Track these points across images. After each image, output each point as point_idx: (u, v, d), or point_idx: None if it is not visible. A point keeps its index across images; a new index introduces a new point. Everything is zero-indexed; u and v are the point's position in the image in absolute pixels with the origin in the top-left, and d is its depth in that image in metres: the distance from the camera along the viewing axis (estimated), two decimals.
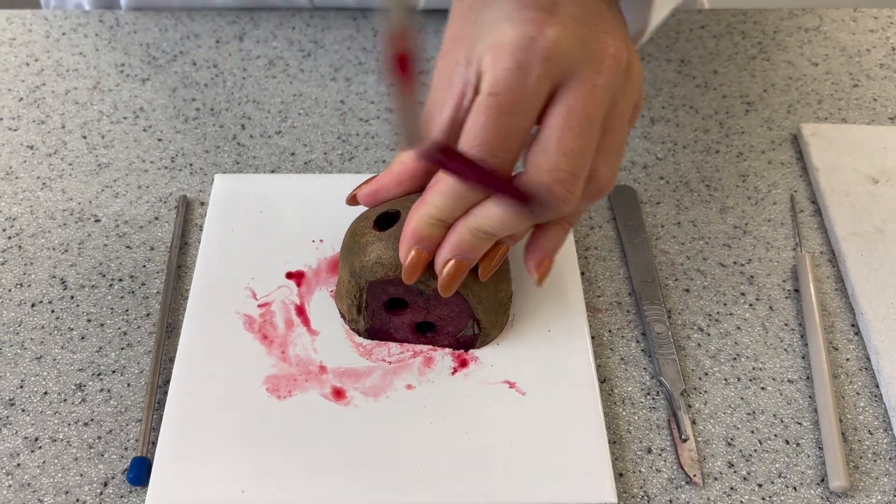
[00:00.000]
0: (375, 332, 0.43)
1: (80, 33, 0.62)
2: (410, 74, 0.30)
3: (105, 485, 0.39)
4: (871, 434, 0.42)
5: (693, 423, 0.42)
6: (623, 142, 0.37)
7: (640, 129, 0.57)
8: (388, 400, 0.42)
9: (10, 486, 0.39)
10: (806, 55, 0.63)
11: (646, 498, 0.40)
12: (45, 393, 0.43)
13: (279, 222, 0.49)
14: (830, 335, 0.46)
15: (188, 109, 0.57)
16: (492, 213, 0.36)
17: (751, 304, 0.48)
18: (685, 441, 0.41)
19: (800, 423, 0.43)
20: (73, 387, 0.43)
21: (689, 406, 0.43)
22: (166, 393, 0.42)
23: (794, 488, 0.40)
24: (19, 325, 0.45)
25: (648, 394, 0.43)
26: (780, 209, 0.52)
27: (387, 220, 0.42)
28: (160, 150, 0.54)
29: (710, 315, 0.47)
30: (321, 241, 0.48)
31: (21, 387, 0.43)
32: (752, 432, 0.42)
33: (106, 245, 0.49)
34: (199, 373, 0.42)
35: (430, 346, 0.44)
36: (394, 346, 0.44)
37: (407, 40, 0.29)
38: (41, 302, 0.46)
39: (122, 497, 0.39)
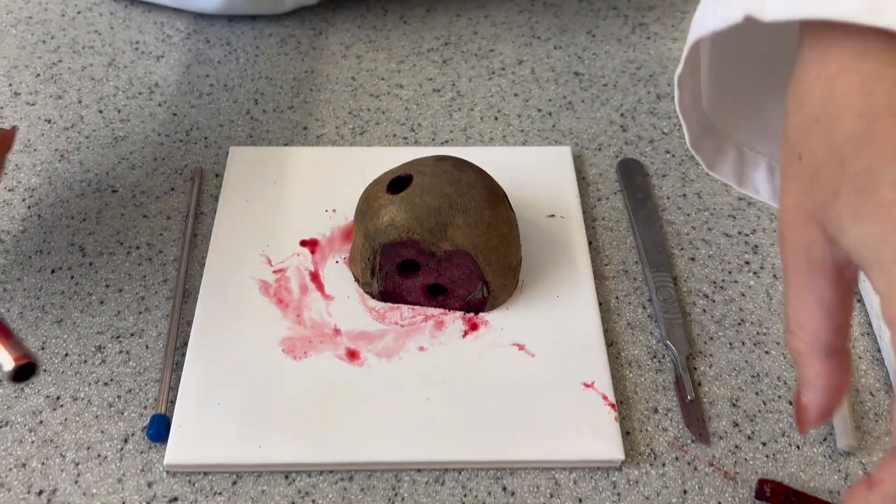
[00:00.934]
0: (388, 295, 0.44)
1: (95, 12, 0.63)
2: None
3: (125, 441, 0.41)
4: (873, 395, 0.43)
5: (699, 384, 0.43)
6: None
7: (647, 104, 0.58)
8: (400, 361, 0.43)
9: (32, 441, 0.40)
10: None
11: (652, 455, 0.41)
12: (66, 354, 0.44)
13: (293, 192, 0.50)
14: None
15: (202, 85, 0.58)
16: None
17: (755, 272, 0.48)
18: (691, 402, 0.42)
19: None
20: (93, 349, 0.44)
21: (695, 369, 0.44)
22: (184, 355, 0.43)
23: (798, 447, 0.41)
24: (40, 290, 0.46)
25: (654, 357, 0.44)
26: None
27: (399, 183, 0.43)
28: (175, 123, 0.56)
29: (714, 282, 0.48)
30: (334, 210, 0.49)
31: (42, 348, 0.44)
32: (757, 394, 0.43)
33: (123, 214, 0.50)
34: (216, 334, 0.43)
35: (442, 310, 0.45)
36: (406, 310, 0.45)
37: None
38: (61, 268, 0.47)
39: (141, 453, 0.40)
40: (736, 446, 0.41)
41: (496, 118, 0.57)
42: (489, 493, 0.39)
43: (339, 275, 0.46)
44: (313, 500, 0.39)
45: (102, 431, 0.41)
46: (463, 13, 0.65)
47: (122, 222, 0.50)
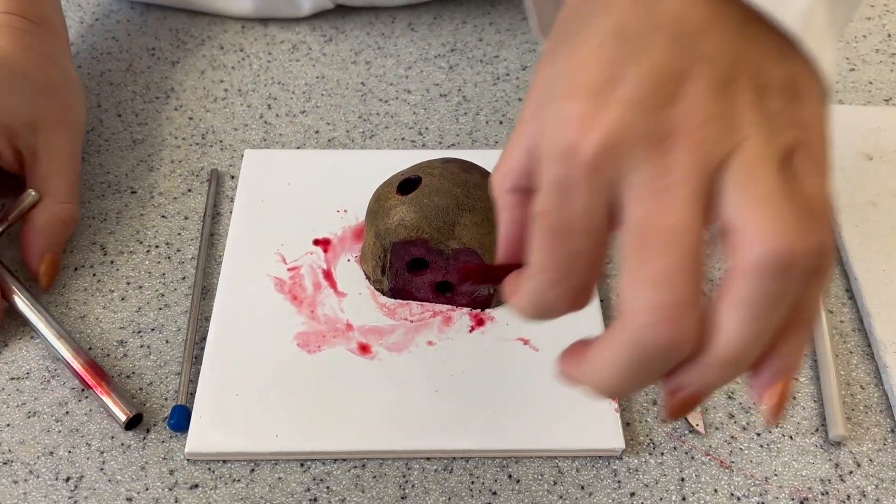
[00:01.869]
0: (398, 292, 0.46)
1: (113, 19, 0.65)
2: None
3: (148, 431, 0.42)
4: (863, 388, 0.45)
5: None
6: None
7: None
8: (410, 355, 0.45)
9: (59, 431, 0.42)
10: None
11: (651, 445, 0.43)
12: (90, 349, 0.46)
13: (306, 194, 0.52)
14: (825, 299, 0.49)
15: (217, 90, 0.60)
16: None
17: None
18: None
19: (796, 379, 0.45)
20: (116, 343, 0.46)
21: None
22: (203, 349, 0.45)
23: (791, 437, 0.43)
24: (64, 288, 0.48)
25: None
26: None
27: (408, 184, 0.45)
28: (191, 127, 0.57)
29: (711, 281, 0.50)
30: (345, 210, 0.51)
31: None
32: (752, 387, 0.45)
33: (142, 215, 0.52)
34: (233, 329, 0.45)
35: (449, 307, 0.47)
36: (415, 307, 0.47)
37: None
38: (83, 266, 0.49)
39: (163, 442, 0.42)
40: (731, 437, 0.43)
41: (501, 122, 0.59)
42: (495, 481, 0.41)
43: (350, 272, 0.48)
44: (328, 487, 0.41)
45: None
46: (469, 20, 0.67)
47: (142, 222, 0.52)
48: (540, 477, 0.41)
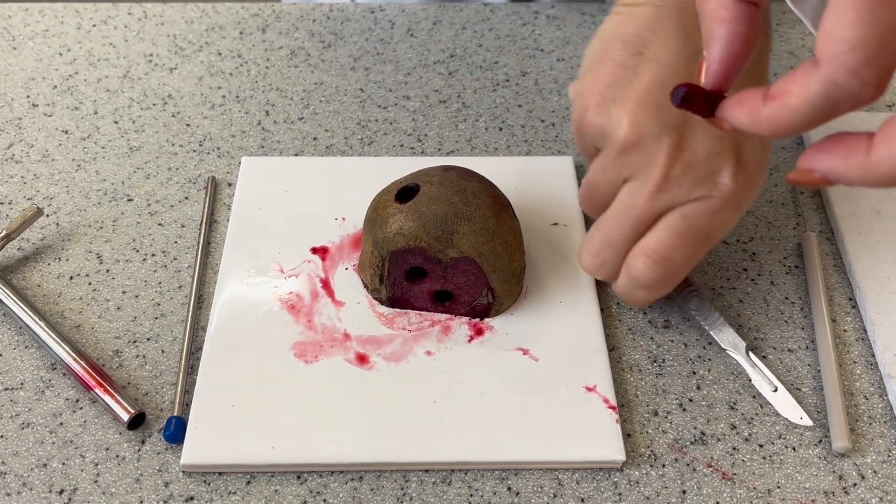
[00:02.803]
0: (396, 301, 0.46)
1: (110, 25, 0.65)
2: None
3: (143, 442, 0.42)
4: (867, 399, 0.45)
5: (697, 388, 0.45)
6: None
7: None
8: (408, 365, 0.44)
9: (53, 442, 0.42)
10: (807, 46, 0.65)
11: (652, 456, 0.42)
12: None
13: (304, 201, 0.52)
14: (829, 308, 0.48)
15: (214, 97, 0.60)
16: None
17: (752, 280, 0.50)
18: (775, 391, 0.44)
19: (799, 389, 0.45)
20: (111, 353, 0.45)
21: (694, 373, 0.45)
22: (199, 359, 0.45)
23: (794, 449, 0.43)
24: (59, 297, 0.48)
25: (654, 361, 0.46)
26: (781, 191, 0.55)
27: (407, 192, 0.44)
28: (188, 134, 0.57)
29: (713, 289, 0.49)
30: (343, 218, 0.51)
31: None
32: (754, 397, 0.44)
33: (138, 223, 0.52)
34: (230, 339, 0.45)
35: (448, 316, 0.46)
36: (414, 316, 0.46)
37: None
38: (79, 275, 0.49)
39: (158, 454, 0.42)
40: (734, 448, 0.43)
41: (500, 129, 0.58)
42: (494, 493, 0.41)
43: (348, 281, 0.48)
44: (324, 500, 0.40)
45: (121, 433, 0.42)
46: (468, 26, 0.66)
47: (138, 230, 0.51)
48: (540, 489, 0.41)
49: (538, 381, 0.44)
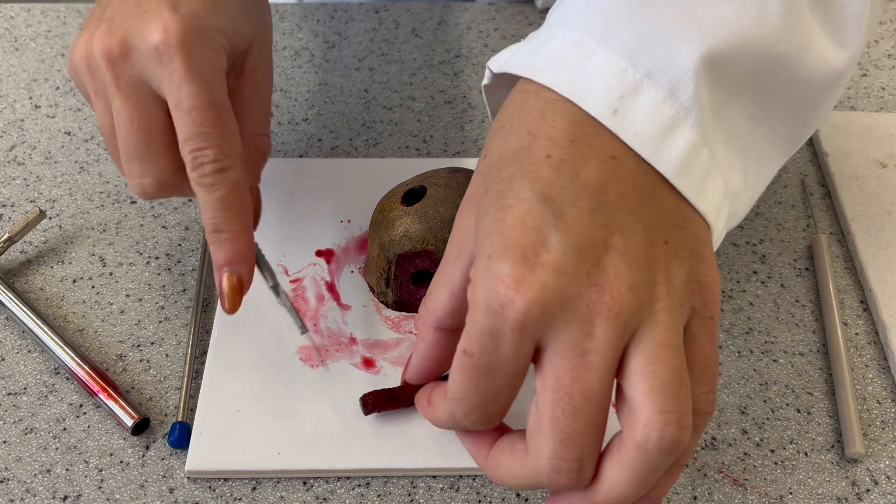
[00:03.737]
0: (403, 304, 0.45)
1: None
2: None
3: (147, 448, 0.41)
4: (880, 404, 0.44)
5: None
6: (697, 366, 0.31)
7: None
8: None
9: (57, 448, 0.41)
10: None
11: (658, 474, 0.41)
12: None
13: (308, 204, 0.51)
14: (840, 311, 0.48)
15: None
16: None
17: (763, 282, 0.49)
18: None
19: (811, 394, 0.44)
20: (115, 357, 0.45)
21: (716, 385, 0.45)
22: (203, 363, 0.44)
23: (806, 454, 0.42)
24: (62, 300, 0.47)
25: None
26: (791, 192, 0.54)
27: (413, 195, 0.44)
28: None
29: (723, 292, 0.49)
30: (349, 221, 0.50)
31: None
32: (765, 402, 0.44)
33: (142, 225, 0.51)
34: (234, 343, 0.44)
35: None
36: None
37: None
38: (82, 278, 0.48)
39: (163, 459, 0.41)
40: (745, 453, 0.42)
41: None
42: (503, 500, 0.40)
43: (354, 284, 0.47)
44: None
45: (125, 438, 0.42)
46: (473, 26, 0.66)
47: (142, 233, 0.51)
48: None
49: None
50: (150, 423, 0.42)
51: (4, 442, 0.41)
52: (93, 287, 0.48)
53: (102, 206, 0.52)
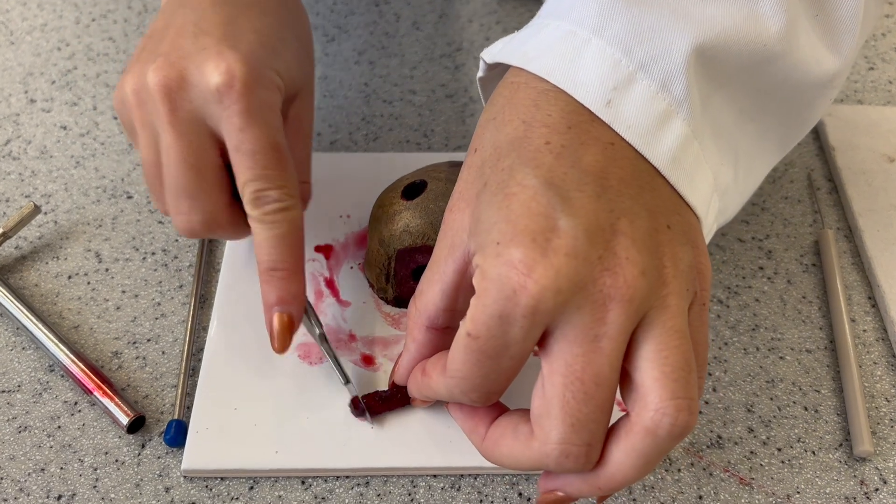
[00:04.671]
0: (403, 301, 0.45)
1: (110, 19, 0.64)
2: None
3: (143, 446, 0.41)
4: (888, 401, 0.43)
5: (713, 390, 0.43)
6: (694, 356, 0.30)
7: None
8: None
9: (51, 446, 0.41)
10: None
11: (668, 461, 0.41)
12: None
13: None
14: (848, 307, 0.47)
15: None
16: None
17: (769, 278, 0.48)
18: None
19: (818, 391, 0.44)
20: (110, 354, 0.44)
21: (710, 374, 0.44)
22: (200, 360, 0.43)
23: (813, 452, 0.41)
24: (57, 296, 0.47)
25: None
26: (797, 187, 0.53)
27: (414, 189, 0.43)
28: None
29: (729, 288, 0.48)
30: (348, 216, 0.49)
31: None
32: (771, 399, 0.43)
33: (138, 220, 0.50)
34: (231, 340, 0.43)
35: None
36: None
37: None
38: (77, 274, 0.48)
39: (159, 458, 0.40)
40: (751, 451, 0.41)
41: None
42: (505, 499, 0.39)
43: (353, 280, 0.46)
44: None
45: (120, 437, 0.41)
46: (475, 19, 0.65)
47: (138, 228, 0.50)
48: None
49: None
50: (146, 422, 0.42)
51: None
52: (88, 283, 0.47)
53: (98, 201, 0.51)
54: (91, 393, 0.41)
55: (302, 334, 0.44)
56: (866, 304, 0.47)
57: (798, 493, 0.40)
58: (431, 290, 0.33)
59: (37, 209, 0.48)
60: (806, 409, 0.43)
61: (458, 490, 0.40)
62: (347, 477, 0.40)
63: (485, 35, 0.64)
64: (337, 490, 0.39)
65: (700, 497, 0.40)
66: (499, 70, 0.36)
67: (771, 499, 0.40)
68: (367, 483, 0.40)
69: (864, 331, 0.46)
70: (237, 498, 0.39)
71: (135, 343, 0.45)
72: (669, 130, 0.31)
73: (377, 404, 0.40)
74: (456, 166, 0.44)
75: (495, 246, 0.29)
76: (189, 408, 0.42)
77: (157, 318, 0.46)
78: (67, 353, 0.43)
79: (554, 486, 0.32)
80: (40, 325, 0.44)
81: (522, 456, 0.31)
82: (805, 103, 0.37)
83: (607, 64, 0.31)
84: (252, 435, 0.40)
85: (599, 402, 0.29)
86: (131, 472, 0.40)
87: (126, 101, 0.38)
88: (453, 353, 0.31)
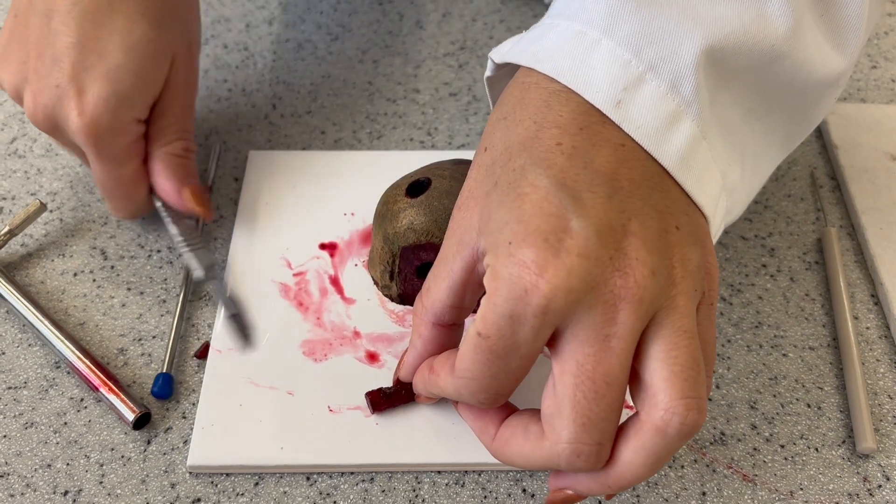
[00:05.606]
0: (407, 298, 0.45)
1: None
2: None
3: (149, 443, 0.41)
4: (891, 398, 0.43)
5: (717, 387, 0.44)
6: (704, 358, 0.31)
7: None
8: None
9: (57, 442, 0.41)
10: None
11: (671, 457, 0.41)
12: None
13: (311, 196, 0.51)
14: (851, 305, 0.47)
15: (220, 90, 0.59)
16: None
17: (772, 275, 0.49)
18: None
19: (821, 388, 0.44)
20: (116, 351, 0.44)
21: (713, 371, 0.44)
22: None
23: (816, 449, 0.41)
24: (63, 294, 0.47)
25: None
26: (800, 185, 0.54)
27: (418, 187, 0.43)
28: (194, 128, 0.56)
29: (732, 285, 0.48)
30: (352, 213, 0.50)
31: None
32: (775, 396, 0.43)
33: (144, 218, 0.51)
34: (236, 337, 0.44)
35: None
36: None
37: None
38: (83, 272, 0.48)
39: (164, 454, 0.41)
40: (754, 448, 0.41)
41: None
42: (509, 495, 0.39)
43: (358, 278, 0.47)
44: (334, 502, 0.39)
45: (126, 433, 0.41)
46: (479, 18, 0.65)
47: (143, 226, 0.50)
48: None
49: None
50: (152, 418, 0.42)
51: (5, 436, 0.41)
52: (94, 280, 0.48)
53: (104, 198, 0.52)
54: (97, 389, 0.42)
55: (307, 330, 0.44)
56: (869, 301, 0.47)
57: (801, 489, 0.40)
58: (438, 287, 0.34)
59: (42, 207, 0.48)
60: (809, 406, 0.43)
61: (462, 486, 0.40)
62: (352, 473, 0.40)
63: (488, 34, 0.64)
64: (342, 486, 0.40)
65: (703, 493, 0.40)
66: (507, 70, 0.37)
67: (774, 495, 0.40)
68: (372, 479, 0.40)
69: (867, 328, 0.46)
70: (242, 494, 0.39)
71: (140, 340, 0.45)
72: (678, 131, 0.32)
73: (381, 401, 0.41)
74: (460, 164, 0.44)
75: (507, 246, 0.29)
76: (194, 404, 0.42)
77: (162, 315, 0.46)
78: (73, 349, 0.43)
79: (564, 484, 0.32)
80: (46, 322, 0.44)
81: (533, 455, 0.31)
82: (811, 102, 0.38)
83: (617, 64, 0.32)
84: (257, 431, 0.40)
85: (610, 401, 0.29)
86: (137, 468, 0.40)
87: (39, 125, 0.43)
88: (462, 352, 0.31)
